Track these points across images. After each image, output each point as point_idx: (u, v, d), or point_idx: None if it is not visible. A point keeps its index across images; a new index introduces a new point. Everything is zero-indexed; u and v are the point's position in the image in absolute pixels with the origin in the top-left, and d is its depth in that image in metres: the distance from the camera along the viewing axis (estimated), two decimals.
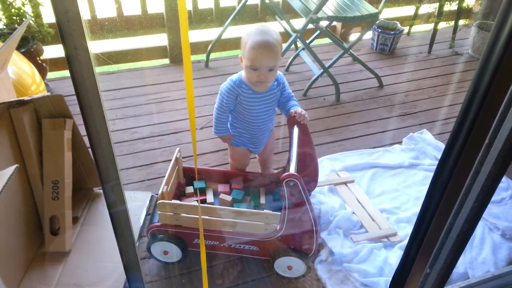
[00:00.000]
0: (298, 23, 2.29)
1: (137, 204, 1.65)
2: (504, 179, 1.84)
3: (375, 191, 1.79)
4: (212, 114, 2.21)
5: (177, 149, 1.54)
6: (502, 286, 1.26)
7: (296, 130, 1.43)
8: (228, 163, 1.85)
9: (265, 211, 1.32)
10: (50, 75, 2.34)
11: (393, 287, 1.09)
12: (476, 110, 0.76)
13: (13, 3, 2.05)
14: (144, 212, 1.63)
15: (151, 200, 1.68)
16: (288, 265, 1.37)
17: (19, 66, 1.73)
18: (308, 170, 1.47)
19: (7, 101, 1.33)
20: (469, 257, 1.50)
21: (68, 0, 0.49)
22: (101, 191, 1.70)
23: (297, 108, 1.45)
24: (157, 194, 1.59)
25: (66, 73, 2.55)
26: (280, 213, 1.29)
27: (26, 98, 1.39)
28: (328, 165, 1.90)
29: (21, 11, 2.08)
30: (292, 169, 1.24)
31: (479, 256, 1.50)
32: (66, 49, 0.52)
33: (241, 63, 1.38)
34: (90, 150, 1.80)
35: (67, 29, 0.50)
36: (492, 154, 0.84)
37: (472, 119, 0.77)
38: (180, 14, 0.53)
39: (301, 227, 1.28)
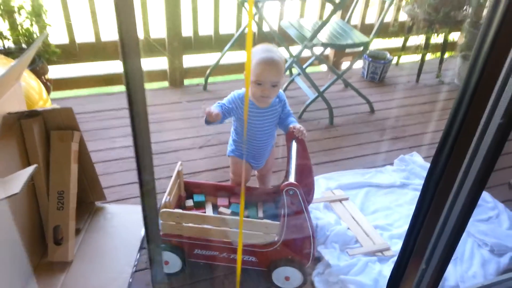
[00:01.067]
0: (294, 51, 2.41)
1: (139, 217, 1.68)
2: (490, 199, 1.92)
3: (369, 209, 1.85)
4: (211, 134, 2.29)
5: (179, 162, 1.59)
6: None
7: (294, 144, 1.50)
8: (227, 180, 1.91)
9: (264, 220, 1.37)
10: (53, 94, 2.40)
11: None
12: (456, 131, 0.85)
13: (22, 23, 2.13)
14: None
15: None
16: (286, 276, 1.41)
17: (28, 82, 1.79)
18: (305, 182, 1.53)
19: (19, 112, 1.39)
20: (460, 271, 1.56)
21: (131, 22, 0.56)
22: (102, 205, 1.74)
23: (295, 124, 1.53)
24: (159, 206, 1.63)
25: (68, 93, 2.63)
26: (279, 222, 1.34)
27: (36, 109, 1.45)
28: (323, 184, 1.96)
29: (29, 31, 2.16)
30: (292, 179, 1.31)
31: (469, 270, 1.56)
32: (125, 65, 0.59)
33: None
34: (95, 165, 1.84)
35: (127, 41, 0.57)
36: (473, 169, 0.93)
37: (453, 141, 0.87)
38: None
39: (300, 235, 1.33)
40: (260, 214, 1.60)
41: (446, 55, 3.11)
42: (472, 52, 0.76)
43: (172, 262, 1.43)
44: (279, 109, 1.55)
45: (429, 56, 3.14)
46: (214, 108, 1.45)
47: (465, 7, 2.77)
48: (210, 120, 1.43)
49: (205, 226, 1.39)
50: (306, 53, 2.41)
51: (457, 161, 0.90)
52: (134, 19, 0.57)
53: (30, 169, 1.05)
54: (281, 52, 1.46)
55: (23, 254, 1.38)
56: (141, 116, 0.64)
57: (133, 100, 0.62)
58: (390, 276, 1.17)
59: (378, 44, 3.31)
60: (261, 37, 2.87)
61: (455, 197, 0.98)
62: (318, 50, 2.57)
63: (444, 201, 0.99)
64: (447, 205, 1.00)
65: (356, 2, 2.68)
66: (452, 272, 1.55)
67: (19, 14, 2.13)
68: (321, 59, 2.58)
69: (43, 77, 2.17)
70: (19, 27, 2.14)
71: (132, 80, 0.61)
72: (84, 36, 2.51)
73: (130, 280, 1.44)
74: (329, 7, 2.22)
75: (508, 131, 0.84)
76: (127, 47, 0.59)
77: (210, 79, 2.77)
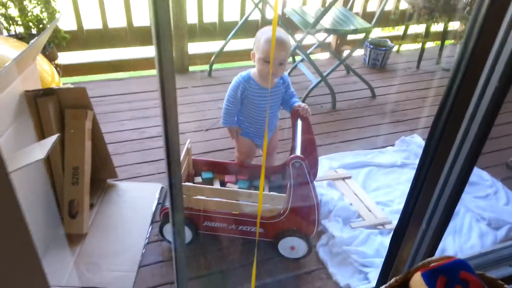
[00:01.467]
0: (297, 37, 2.46)
1: (149, 193, 1.75)
2: (488, 177, 1.99)
3: (371, 187, 1.91)
4: (216, 118, 2.35)
5: (188, 140, 1.65)
6: (492, 260, 1.38)
7: (299, 122, 1.56)
8: (233, 160, 1.97)
9: (271, 193, 1.43)
10: (62, 80, 2.46)
11: (391, 247, 1.20)
12: (449, 110, 0.91)
13: (32, 10, 2.19)
14: (156, 201, 1.72)
15: (161, 191, 1.78)
16: (291, 246, 1.48)
17: (41, 64, 1.85)
18: (310, 157, 1.59)
19: (36, 89, 1.45)
20: (458, 243, 1.62)
21: (164, 8, 0.61)
22: (114, 182, 1.80)
23: (300, 103, 1.59)
24: (166, 186, 1.69)
25: (76, 79, 2.69)
26: (285, 194, 1.41)
27: (52, 87, 1.51)
28: (326, 164, 2.02)
29: (38, 17, 2.22)
30: (298, 152, 1.37)
31: (467, 242, 1.63)
32: (157, 49, 0.64)
33: (253, 59, 1.52)
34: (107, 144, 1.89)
35: (163, 31, 0.63)
36: (463, 150, 1.00)
37: (445, 119, 0.93)
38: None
39: (305, 203, 1.40)
40: (266, 190, 1.66)
41: (447, 42, 3.17)
42: (463, 40, 0.83)
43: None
44: (282, 90, 1.61)
45: (429, 44, 3.19)
46: (228, 121, 1.64)
47: None
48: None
49: (214, 199, 1.45)
50: (309, 40, 2.46)
51: (454, 125, 0.96)
52: (168, 6, 0.62)
53: (53, 138, 1.12)
54: (286, 33, 1.52)
55: (39, 225, 1.45)
56: (171, 97, 0.70)
57: (164, 82, 0.68)
58: (390, 242, 1.24)
59: (379, 32, 3.36)
60: (265, 24, 2.92)
61: (452, 162, 1.04)
62: (321, 36, 2.62)
63: (442, 165, 1.05)
64: (444, 171, 1.07)
65: None
66: (451, 244, 1.61)
67: (30, 1, 2.18)
68: (324, 45, 2.63)
69: (52, 62, 2.23)
70: (29, 13, 2.19)
71: (165, 64, 0.66)
72: (92, 23, 2.57)
73: (143, 251, 1.50)
74: None
75: (501, 99, 0.90)
76: (161, 32, 0.64)
77: (215, 66, 2.83)
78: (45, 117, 1.49)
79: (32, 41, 1.36)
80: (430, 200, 1.14)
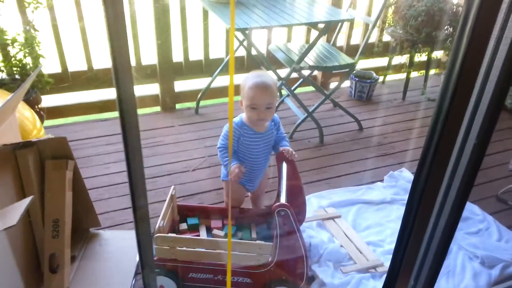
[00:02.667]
0: (282, 73, 2.48)
1: (133, 243, 1.69)
2: (479, 212, 1.97)
3: (361, 226, 1.88)
4: (203, 157, 2.33)
5: (172, 186, 1.62)
6: None
7: (284, 166, 1.54)
8: (221, 202, 1.94)
9: (257, 242, 1.39)
10: (47, 122, 2.43)
11: None
12: (436, 143, 0.89)
13: (15, 55, 2.18)
14: None
15: None
16: None
17: (22, 112, 1.83)
18: (296, 203, 1.56)
19: (14, 143, 1.42)
20: (452, 284, 1.58)
21: (124, 50, 0.59)
22: (97, 231, 1.75)
23: (285, 147, 1.58)
24: (153, 231, 1.65)
25: (62, 121, 2.66)
26: (271, 243, 1.37)
27: (32, 140, 1.48)
28: (315, 202, 1.99)
29: (22, 62, 2.21)
30: (283, 199, 1.34)
31: (461, 283, 1.59)
32: (118, 91, 0.61)
33: (241, 106, 1.52)
34: (88, 191, 1.86)
35: (122, 73, 0.60)
36: (455, 181, 0.97)
37: (433, 153, 0.91)
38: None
39: (293, 255, 1.36)
40: (254, 235, 1.62)
41: (432, 72, 3.21)
42: (446, 68, 0.81)
43: (167, 287, 1.44)
44: (274, 132, 1.60)
45: (414, 74, 3.23)
46: (231, 165, 1.50)
47: (446, 27, 2.87)
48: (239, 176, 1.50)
49: (199, 249, 1.41)
50: (295, 75, 2.47)
51: (439, 172, 0.93)
52: (127, 46, 0.60)
53: (26, 201, 1.08)
54: (272, 76, 1.51)
55: (19, 283, 1.38)
56: (134, 142, 0.67)
57: (126, 126, 0.65)
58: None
59: (364, 63, 3.40)
60: (250, 61, 2.94)
61: (440, 209, 1.02)
62: (306, 71, 2.64)
63: (432, 202, 1.02)
64: (432, 217, 1.04)
65: (341, 26, 2.77)
66: (444, 285, 1.57)
67: (13, 46, 2.18)
68: (309, 80, 2.65)
69: (36, 107, 2.21)
70: (13, 59, 2.18)
71: (125, 106, 0.63)
72: (77, 64, 2.57)
73: None
74: (314, 32, 2.30)
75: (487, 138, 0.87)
76: (120, 73, 0.61)
77: (201, 103, 2.82)
78: (24, 169, 1.45)
79: (9, 96, 1.34)
80: (422, 241, 1.10)
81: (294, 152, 1.56)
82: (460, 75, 0.79)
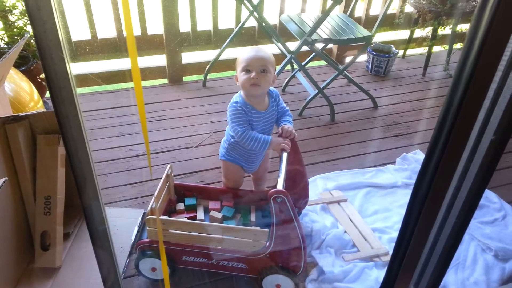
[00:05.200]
0: (296, 45, 2.33)
1: (129, 221, 1.66)
2: (497, 199, 1.84)
3: (368, 210, 1.79)
4: (208, 133, 2.24)
5: (168, 165, 1.55)
6: None
7: None
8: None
9: (253, 227, 1.32)
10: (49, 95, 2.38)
11: None
12: (452, 121, 0.77)
13: (15, 23, 2.11)
14: (136, 229, 1.63)
15: (143, 217, 1.68)
16: (276, 283, 1.36)
17: (18, 83, 1.77)
18: (297, 188, 1.47)
19: (3, 117, 1.36)
20: (461, 277, 1.49)
21: (45, 12, 0.51)
22: None
23: (284, 125, 1.47)
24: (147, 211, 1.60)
25: None
26: (268, 230, 1.29)
27: (21, 114, 1.41)
28: (321, 184, 1.90)
29: (23, 30, 2.14)
30: (280, 185, 1.25)
31: (471, 276, 1.49)
32: (42, 60, 0.54)
33: (237, 82, 1.42)
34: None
35: (44, 39, 0.52)
36: (472, 169, 0.85)
37: (448, 132, 0.79)
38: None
39: (289, 244, 1.28)
40: (253, 218, 1.55)
41: (458, 45, 3.00)
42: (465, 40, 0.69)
43: (159, 269, 1.39)
44: (275, 110, 1.50)
45: (437, 49, 3.03)
46: (266, 138, 1.41)
47: None
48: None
49: (192, 233, 1.34)
50: (307, 48, 2.33)
51: (455, 153, 0.82)
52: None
53: None
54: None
55: (9, 260, 1.36)
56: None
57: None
58: (383, 280, 1.12)
59: (383, 37, 3.21)
60: (261, 31, 2.80)
61: (453, 196, 0.90)
62: (319, 44, 2.49)
63: (440, 201, 0.92)
64: (443, 207, 0.93)
65: None
66: (452, 279, 1.48)
67: (12, 14, 2.10)
68: (322, 54, 2.50)
69: (37, 77, 2.15)
70: (12, 27, 2.11)
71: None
72: (80, 34, 2.48)
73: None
74: (330, 1, 2.13)
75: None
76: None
77: (210, 75, 2.72)
78: (14, 144, 1.40)
79: None
80: (430, 229, 1.00)
81: (294, 131, 1.46)
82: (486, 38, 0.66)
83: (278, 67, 2.19)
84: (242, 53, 1.41)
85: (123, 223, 1.64)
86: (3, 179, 1.05)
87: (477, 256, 1.57)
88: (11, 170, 1.40)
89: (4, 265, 1.34)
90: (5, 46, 2.12)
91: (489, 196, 1.86)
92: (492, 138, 0.78)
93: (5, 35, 2.14)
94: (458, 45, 2.97)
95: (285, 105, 1.55)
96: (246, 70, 1.38)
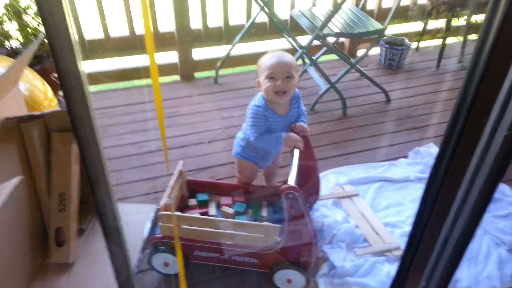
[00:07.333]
0: (307, 40, 2.32)
1: (142, 217, 1.68)
2: (511, 193, 1.81)
3: (380, 205, 1.78)
4: (220, 129, 2.25)
5: (180, 162, 1.57)
6: None
7: None
8: (234, 177, 1.88)
9: (265, 223, 1.33)
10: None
11: None
12: (466, 115, 0.76)
13: (29, 23, 2.14)
14: (149, 225, 1.65)
15: (156, 213, 1.70)
16: (288, 278, 1.37)
17: (32, 82, 1.80)
18: (309, 183, 1.47)
19: (18, 116, 1.39)
20: (474, 271, 1.47)
21: (59, 18, 0.52)
22: None
23: (298, 123, 1.48)
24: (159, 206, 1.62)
25: None
26: (280, 225, 1.30)
27: (36, 113, 1.44)
28: (333, 179, 1.90)
29: (37, 31, 2.17)
30: (292, 181, 1.26)
31: (484, 270, 1.48)
32: (55, 61, 0.55)
33: (259, 88, 1.42)
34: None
35: (57, 43, 0.53)
36: (486, 163, 0.84)
37: (462, 125, 0.77)
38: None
39: (300, 239, 1.29)
40: (264, 213, 1.56)
41: (472, 36, 2.94)
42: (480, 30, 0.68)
43: (172, 264, 1.41)
44: (296, 110, 1.51)
45: (451, 40, 2.98)
46: (279, 136, 1.42)
47: None
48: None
49: (204, 228, 1.36)
50: (318, 42, 2.32)
51: (468, 149, 0.80)
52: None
53: (13, 182, 1.05)
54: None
55: (25, 256, 1.40)
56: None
57: None
58: (395, 274, 1.11)
59: (396, 29, 3.17)
60: (272, 27, 2.79)
61: (467, 189, 0.89)
62: (331, 39, 2.47)
63: (453, 195, 0.91)
64: (457, 201, 0.92)
65: None
66: (465, 273, 1.47)
67: (27, 14, 2.14)
68: (333, 49, 2.48)
69: (51, 75, 2.18)
70: (27, 27, 2.15)
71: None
72: (93, 32, 2.51)
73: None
74: None
75: None
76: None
77: (221, 72, 2.73)
78: (29, 143, 1.43)
79: (9, 65, 1.30)
80: (442, 223, 0.99)
81: (306, 127, 1.46)
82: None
83: None
84: (264, 59, 1.40)
85: (136, 219, 1.67)
86: (19, 177, 1.07)
87: (491, 251, 1.55)
88: (26, 168, 1.43)
89: (21, 260, 1.38)
90: (20, 46, 2.16)
91: (504, 190, 1.83)
92: (506, 133, 0.77)
93: (20, 35, 2.17)
94: (472, 36, 2.91)
95: (303, 107, 1.55)
96: (271, 77, 1.37)
